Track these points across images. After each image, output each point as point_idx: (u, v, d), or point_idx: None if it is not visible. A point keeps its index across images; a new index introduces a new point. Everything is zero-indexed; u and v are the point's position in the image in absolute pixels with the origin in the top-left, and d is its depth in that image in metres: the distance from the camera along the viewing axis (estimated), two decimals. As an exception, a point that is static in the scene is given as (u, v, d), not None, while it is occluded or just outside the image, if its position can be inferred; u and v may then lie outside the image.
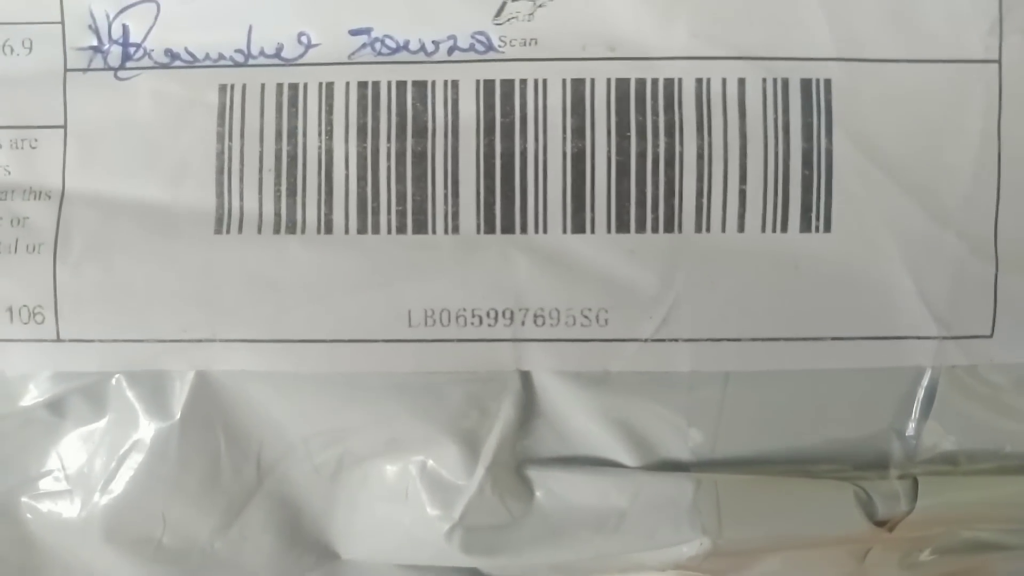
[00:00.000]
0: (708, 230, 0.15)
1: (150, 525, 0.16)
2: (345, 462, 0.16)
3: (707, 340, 0.15)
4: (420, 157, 0.15)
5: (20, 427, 0.16)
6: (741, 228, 0.15)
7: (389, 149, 0.15)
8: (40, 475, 0.17)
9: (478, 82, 0.15)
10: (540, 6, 0.15)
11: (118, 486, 0.16)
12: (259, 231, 0.16)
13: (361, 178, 0.15)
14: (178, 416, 0.16)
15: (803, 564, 0.17)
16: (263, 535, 0.17)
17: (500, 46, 0.15)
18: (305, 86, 0.16)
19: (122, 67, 0.16)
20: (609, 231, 0.15)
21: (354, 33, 0.16)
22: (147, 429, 0.16)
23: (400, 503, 0.16)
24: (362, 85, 0.15)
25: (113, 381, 0.16)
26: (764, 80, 0.15)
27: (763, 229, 0.15)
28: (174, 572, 0.17)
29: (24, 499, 0.17)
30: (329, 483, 0.17)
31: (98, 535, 0.16)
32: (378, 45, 0.16)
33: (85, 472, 0.16)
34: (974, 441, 0.17)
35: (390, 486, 0.16)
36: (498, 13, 0.15)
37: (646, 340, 0.15)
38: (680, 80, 0.15)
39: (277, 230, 0.16)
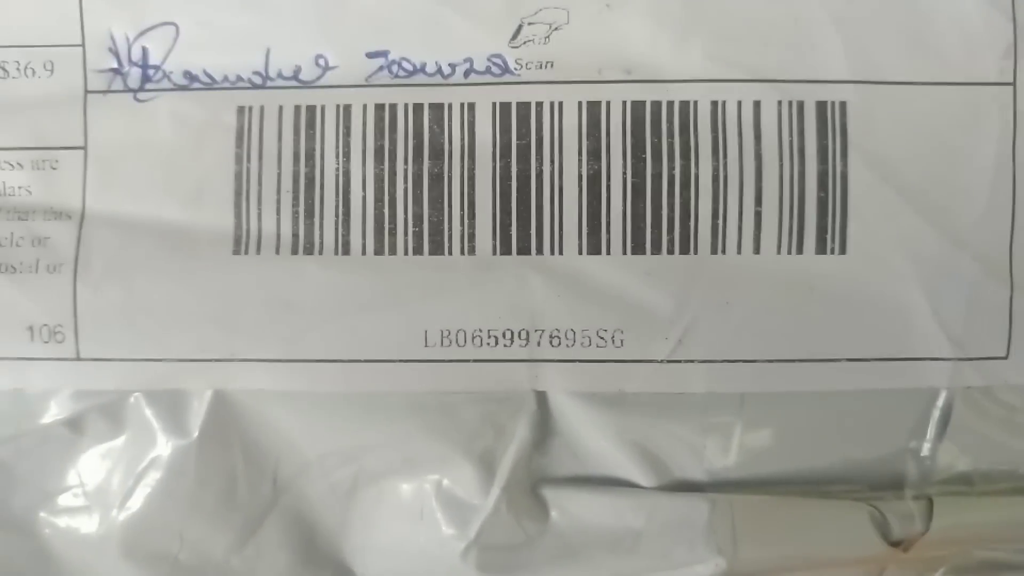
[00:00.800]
0: (724, 252, 0.16)
1: (167, 542, 0.16)
2: (361, 481, 0.16)
3: (722, 361, 0.16)
4: (437, 179, 0.16)
5: (39, 444, 0.17)
6: (757, 250, 0.16)
7: (406, 171, 0.16)
8: (59, 491, 0.17)
9: (494, 104, 0.16)
10: (556, 29, 0.16)
11: (136, 503, 0.16)
12: (277, 252, 0.16)
13: (378, 200, 0.16)
14: (196, 434, 0.16)
15: (818, 584, 0.17)
16: (278, 552, 0.17)
17: (516, 69, 0.16)
18: (323, 108, 0.16)
19: (141, 89, 0.16)
20: (625, 252, 0.16)
21: (371, 56, 0.16)
22: (165, 447, 0.16)
23: (415, 522, 0.16)
24: (379, 107, 0.16)
25: (132, 399, 0.16)
26: (779, 103, 0.16)
27: (778, 251, 0.16)
28: (190, 589, 0.17)
29: (43, 514, 0.17)
30: (345, 501, 0.17)
31: (116, 551, 0.16)
32: (395, 68, 0.16)
33: (103, 489, 0.17)
34: (989, 462, 0.17)
35: (405, 505, 0.16)
36: (514, 36, 0.16)
37: (661, 361, 0.16)
38: (695, 103, 0.15)
39: (295, 251, 0.16)
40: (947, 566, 0.17)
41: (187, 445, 0.16)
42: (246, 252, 0.16)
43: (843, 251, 0.16)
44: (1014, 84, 0.16)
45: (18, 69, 0.16)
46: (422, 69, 0.16)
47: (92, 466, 0.17)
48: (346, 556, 0.17)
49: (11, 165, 0.16)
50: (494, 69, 0.16)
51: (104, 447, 0.16)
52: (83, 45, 0.16)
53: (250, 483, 0.16)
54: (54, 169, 0.16)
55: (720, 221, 0.15)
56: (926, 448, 0.16)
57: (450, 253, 0.16)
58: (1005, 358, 0.16)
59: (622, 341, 0.16)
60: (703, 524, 0.16)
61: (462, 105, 0.16)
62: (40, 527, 0.17)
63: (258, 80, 0.16)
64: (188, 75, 0.16)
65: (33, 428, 0.16)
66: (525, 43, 0.16)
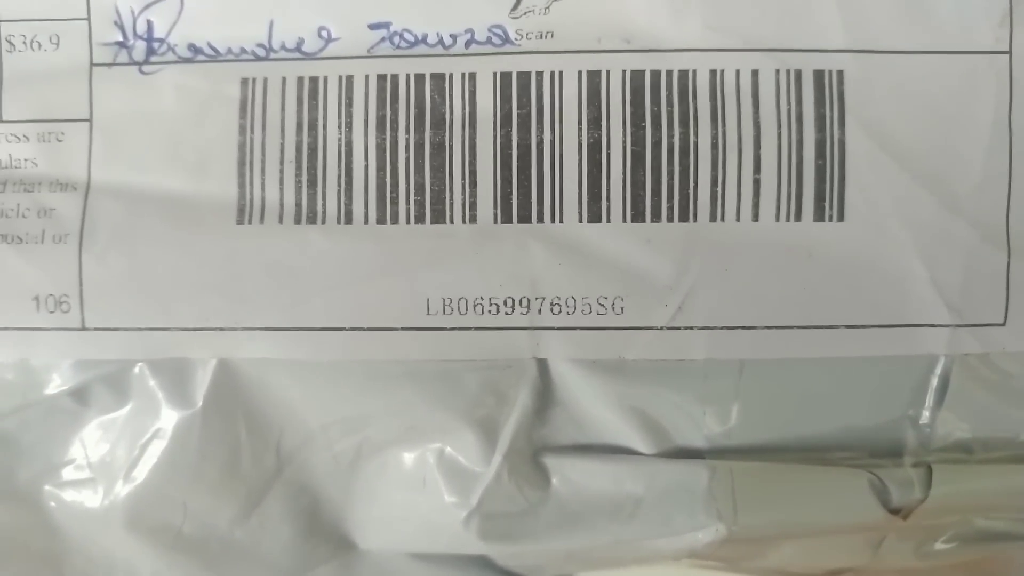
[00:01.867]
0: (723, 219, 0.16)
1: (171, 513, 0.17)
2: (364, 451, 0.17)
3: (722, 328, 0.16)
4: (438, 148, 0.16)
5: (45, 415, 0.17)
6: (755, 217, 0.16)
7: (408, 140, 0.16)
8: (63, 463, 0.17)
9: (495, 74, 0.16)
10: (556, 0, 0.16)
11: (140, 474, 0.16)
12: (280, 221, 0.16)
13: (380, 169, 0.16)
14: (200, 404, 0.16)
15: (818, 552, 0.17)
16: (282, 524, 0.17)
17: (517, 39, 0.16)
18: (325, 79, 0.16)
19: (146, 62, 0.16)
20: (624, 220, 0.16)
21: (373, 27, 0.16)
22: (169, 417, 0.16)
23: (418, 491, 0.16)
24: (381, 78, 0.16)
25: (136, 369, 0.16)
26: (777, 71, 0.16)
27: (777, 218, 0.16)
28: (194, 561, 0.17)
29: (48, 487, 0.17)
30: (348, 472, 0.17)
31: (120, 523, 0.17)
32: (397, 39, 0.16)
33: (107, 461, 0.17)
34: (988, 429, 0.17)
35: (408, 474, 0.16)
36: (515, 7, 0.16)
37: (661, 328, 0.16)
38: (694, 71, 0.16)
39: (298, 220, 0.16)
40: (947, 534, 0.17)
41: (191, 415, 0.16)
42: (249, 221, 0.16)
43: (841, 218, 0.16)
44: (1010, 52, 0.16)
45: (24, 43, 0.16)
46: (423, 40, 0.16)
47: (96, 438, 0.17)
48: (349, 527, 0.17)
49: (17, 137, 0.16)
50: (495, 39, 0.16)
51: (108, 418, 0.17)
52: (88, 19, 0.16)
53: (254, 454, 0.17)
54: (60, 141, 0.16)
55: (719, 188, 0.16)
56: (925, 415, 0.16)
57: (451, 222, 0.16)
58: (1003, 325, 0.16)
59: (622, 308, 0.16)
60: (703, 491, 0.16)
61: (463, 75, 0.16)
62: (45, 500, 0.17)
63: (261, 52, 0.16)
64: (192, 48, 0.16)
65: (38, 399, 0.16)
66: (525, 13, 0.16)
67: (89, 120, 0.16)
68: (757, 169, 0.16)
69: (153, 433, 0.16)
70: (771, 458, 0.16)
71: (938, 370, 0.16)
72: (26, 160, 0.16)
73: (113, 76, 0.16)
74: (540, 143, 0.16)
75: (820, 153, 0.16)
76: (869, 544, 0.17)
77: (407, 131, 0.16)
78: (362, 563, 0.18)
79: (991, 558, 0.18)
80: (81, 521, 0.17)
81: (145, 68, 0.16)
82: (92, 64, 0.16)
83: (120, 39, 0.16)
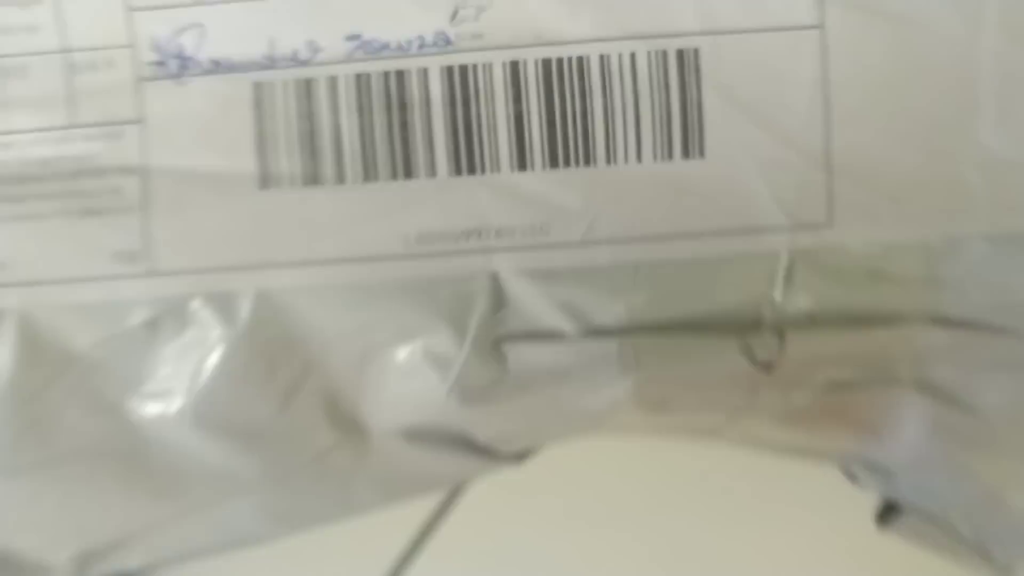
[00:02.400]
0: (615, 162, 0.20)
1: (227, 412, 0.20)
2: (369, 352, 0.20)
3: (620, 242, 0.20)
4: (403, 125, 0.21)
5: (125, 344, 0.20)
6: (639, 159, 0.21)
7: (381, 121, 0.21)
8: (141, 380, 0.20)
9: (442, 68, 0.20)
10: (483, 10, 0.20)
11: (200, 384, 0.20)
12: (292, 185, 0.21)
13: (363, 142, 0.21)
14: (244, 326, 0.20)
15: (710, 400, 0.22)
16: (310, 416, 0.21)
17: (456, 41, 0.20)
18: (316, 80, 0.21)
19: (180, 75, 0.21)
20: (544, 168, 0.20)
21: (349, 39, 0.20)
22: (221, 339, 0.20)
23: (411, 377, 0.20)
24: (358, 76, 0.20)
25: (194, 303, 0.20)
26: (649, 53, 0.20)
27: (655, 159, 0.20)
28: (249, 446, 0.21)
29: (130, 400, 0.20)
30: (359, 370, 0.21)
31: (189, 423, 0.20)
32: (367, 46, 0.20)
33: (176, 375, 0.20)
34: (829, 304, 0.20)
35: (403, 365, 0.20)
36: (452, 17, 0.20)
37: (577, 244, 0.20)
38: (588, 57, 0.20)
39: (306, 183, 0.20)
40: (808, 383, 0.21)
41: (237, 336, 0.20)
42: (269, 187, 0.21)
43: (702, 156, 0.20)
44: (823, 26, 0.21)
45: (88, 66, 0.21)
46: (387, 46, 0.20)
47: (166, 358, 0.20)
48: (361, 415, 0.21)
49: (90, 137, 0.21)
50: (439, 42, 0.20)
51: (175, 342, 0.20)
52: (133, 46, 0.21)
53: (287, 363, 0.20)
54: (121, 138, 0.21)
55: (611, 141, 0.20)
56: (777, 296, 0.20)
57: (419, 176, 0.21)
58: (830, 227, 0.21)
59: (548, 231, 0.20)
60: (615, 357, 0.20)
61: (418, 70, 0.20)
62: (128, 410, 0.20)
63: (267, 63, 0.20)
64: (214, 62, 0.20)
65: (121, 331, 0.20)
66: (461, 22, 0.20)
67: (141, 121, 0.21)
68: (638, 125, 0.21)
69: (209, 351, 0.20)
70: (662, 333, 0.20)
71: (784, 262, 0.20)
72: (97, 154, 0.21)
73: (156, 87, 0.20)
74: (479, 116, 0.21)
75: (684, 110, 0.20)
76: (748, 391, 0.21)
77: (380, 114, 0.21)
78: (370, 443, 0.22)
79: (856, 404, 0.22)
80: (158, 425, 0.20)
81: (180, 80, 0.21)
82: (139, 79, 0.21)
83: (159, 59, 0.21)
